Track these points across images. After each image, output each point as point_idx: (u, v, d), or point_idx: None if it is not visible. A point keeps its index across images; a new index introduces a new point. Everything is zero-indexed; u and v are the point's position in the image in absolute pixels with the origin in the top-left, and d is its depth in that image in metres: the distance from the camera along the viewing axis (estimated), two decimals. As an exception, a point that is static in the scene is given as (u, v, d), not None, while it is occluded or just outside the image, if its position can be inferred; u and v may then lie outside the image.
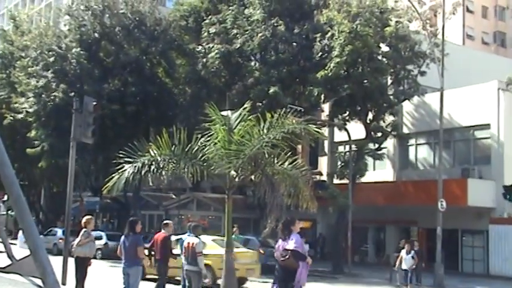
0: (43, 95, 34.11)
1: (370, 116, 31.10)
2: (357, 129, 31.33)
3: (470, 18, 64.10)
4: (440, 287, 24.72)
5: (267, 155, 14.12)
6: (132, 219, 13.23)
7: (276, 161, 14.48)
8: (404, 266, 21.71)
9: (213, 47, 31.00)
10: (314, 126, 14.76)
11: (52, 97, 33.43)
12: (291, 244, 9.77)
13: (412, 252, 21.87)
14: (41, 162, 37.73)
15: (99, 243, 33.59)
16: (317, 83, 28.58)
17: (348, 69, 28.59)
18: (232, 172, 14.28)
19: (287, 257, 9.76)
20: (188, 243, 13.69)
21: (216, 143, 13.84)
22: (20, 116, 37.79)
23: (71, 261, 18.22)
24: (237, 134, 13.74)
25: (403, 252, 21.87)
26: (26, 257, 17.69)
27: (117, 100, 33.02)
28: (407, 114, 34.78)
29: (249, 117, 13.83)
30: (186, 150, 13.98)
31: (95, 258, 31.65)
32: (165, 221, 15.35)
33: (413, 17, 29.69)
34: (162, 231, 14.81)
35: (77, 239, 13.94)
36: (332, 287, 23.98)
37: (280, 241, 10.15)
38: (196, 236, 13.87)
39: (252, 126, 13.72)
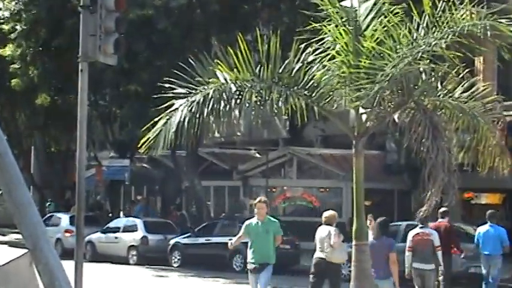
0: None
1: None
2: None
3: None
4: None
5: (423, 76, 13.93)
6: (385, 219, 16.16)
7: (439, 87, 14.35)
8: None
9: None
10: (506, 22, 14.31)
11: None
12: None
13: None
14: (39, 99, 38.19)
15: (133, 237, 34.60)
16: None
17: None
18: (362, 108, 14.20)
19: None
20: (418, 234, 16.79)
21: (333, 57, 13.76)
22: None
23: (90, 268, 18.72)
24: (369, 40, 13.59)
25: None
26: (13, 259, 18.16)
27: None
28: None
29: (391, 10, 13.61)
30: (280, 71, 13.99)
31: (127, 263, 32.95)
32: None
33: None
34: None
35: (332, 239, 16.14)
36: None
37: None
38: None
39: (396, 25, 13.52)
